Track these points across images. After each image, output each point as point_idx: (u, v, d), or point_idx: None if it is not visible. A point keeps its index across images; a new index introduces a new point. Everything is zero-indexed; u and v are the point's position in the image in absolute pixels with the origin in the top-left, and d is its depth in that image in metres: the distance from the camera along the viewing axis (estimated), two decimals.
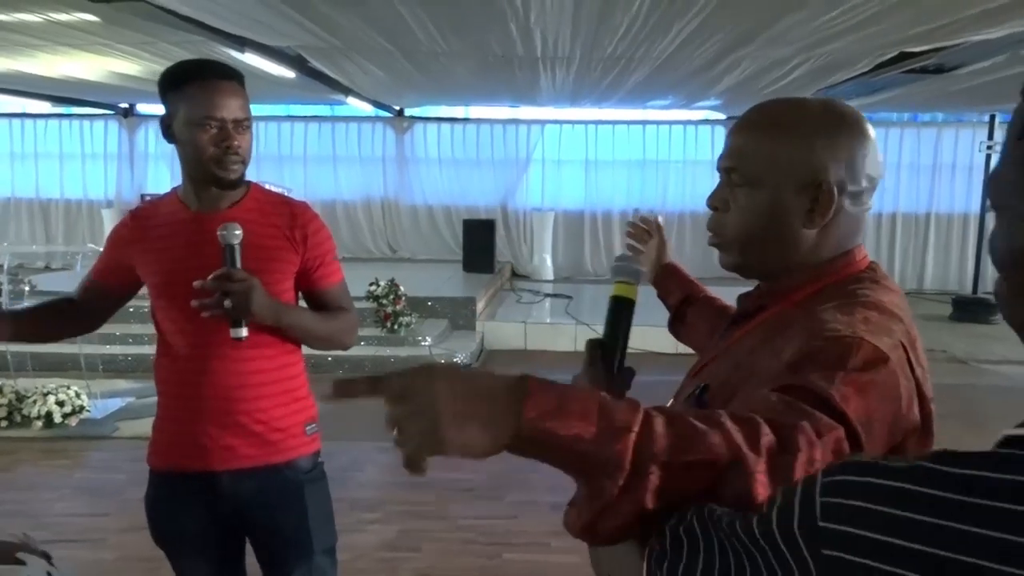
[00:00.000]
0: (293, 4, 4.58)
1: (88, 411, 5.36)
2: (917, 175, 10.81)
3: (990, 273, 6.82)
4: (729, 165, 1.08)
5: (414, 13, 4.81)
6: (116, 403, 5.71)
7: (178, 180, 1.89)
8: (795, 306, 1.03)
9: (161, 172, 11.21)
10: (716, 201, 1.10)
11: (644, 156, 11.35)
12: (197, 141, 1.74)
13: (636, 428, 0.73)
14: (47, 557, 0.83)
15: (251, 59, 5.89)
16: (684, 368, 1.20)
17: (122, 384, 6.15)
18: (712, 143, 11.00)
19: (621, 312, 1.17)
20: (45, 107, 11.12)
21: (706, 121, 11.10)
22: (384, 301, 7.29)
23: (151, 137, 11.46)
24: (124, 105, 11.40)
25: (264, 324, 1.75)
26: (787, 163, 1.02)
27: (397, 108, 11.17)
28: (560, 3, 4.47)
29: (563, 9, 4.61)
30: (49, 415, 5.18)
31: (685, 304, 1.54)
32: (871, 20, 4.49)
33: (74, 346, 5.73)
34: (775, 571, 0.58)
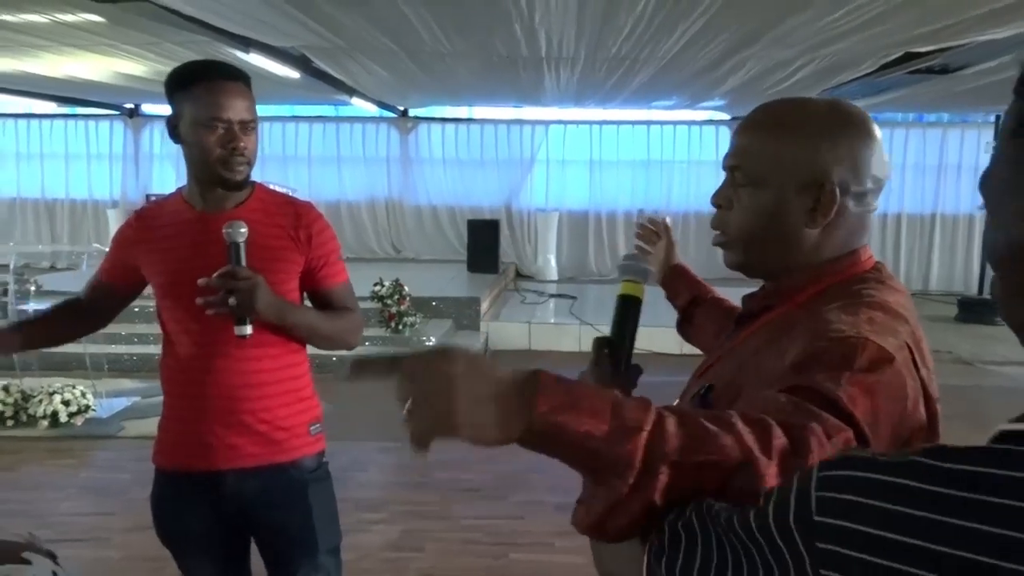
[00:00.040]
0: (297, 4, 4.58)
1: (94, 411, 5.38)
2: (922, 176, 10.80)
3: None
4: (733, 164, 1.08)
5: (418, 13, 4.81)
6: (121, 402, 5.73)
7: (183, 180, 1.89)
8: (799, 306, 1.03)
9: (166, 172, 11.24)
10: (720, 199, 1.10)
11: (648, 156, 11.34)
12: (203, 142, 1.74)
13: (648, 427, 0.73)
14: (52, 556, 0.83)
15: (256, 59, 5.90)
16: (689, 369, 1.20)
17: (127, 384, 6.16)
18: (716, 143, 11.00)
19: (628, 310, 1.17)
20: (51, 107, 11.16)
21: (710, 121, 11.09)
22: (388, 301, 7.30)
23: (156, 137, 11.50)
24: (129, 105, 11.43)
25: (268, 322, 1.75)
26: (790, 163, 1.02)
27: (401, 108, 11.18)
28: (565, 3, 4.47)
29: (567, 9, 4.61)
30: (55, 414, 5.20)
31: (693, 305, 1.54)
32: (876, 20, 4.48)
33: (79, 346, 5.75)
34: (771, 566, 0.58)
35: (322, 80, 7.44)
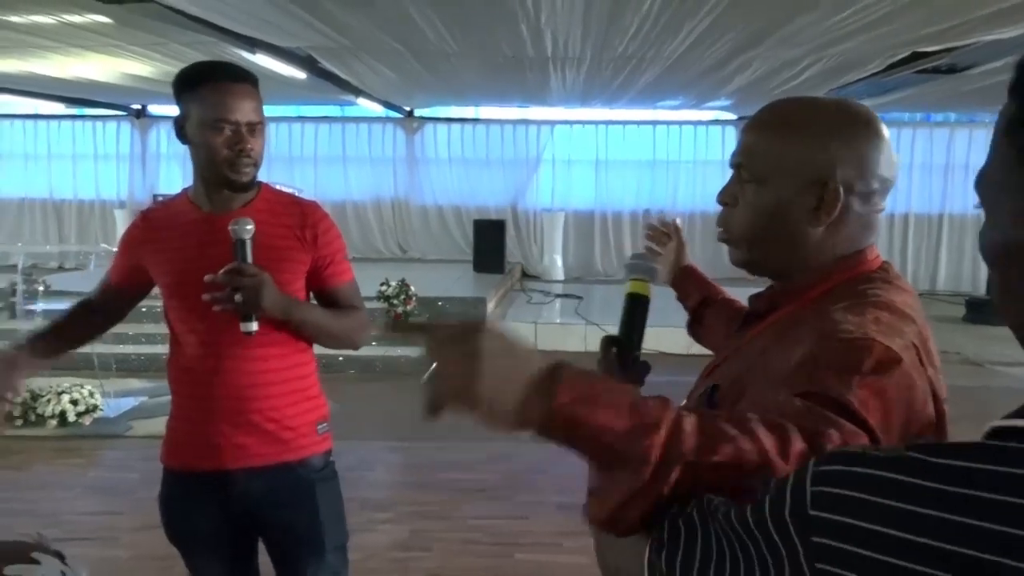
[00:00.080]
0: (303, 5, 4.60)
1: (101, 410, 5.40)
2: (930, 175, 10.76)
3: None
4: (739, 161, 1.08)
5: (424, 13, 4.82)
6: (129, 402, 5.75)
7: (190, 181, 1.90)
8: (806, 306, 1.03)
9: (173, 172, 11.27)
10: (726, 197, 1.11)
11: (654, 156, 11.33)
12: (210, 143, 1.74)
13: (666, 426, 0.73)
14: (61, 557, 0.83)
15: (262, 60, 5.91)
16: (695, 368, 1.20)
17: (135, 383, 6.19)
18: (723, 143, 10.98)
19: (636, 309, 1.17)
20: (58, 108, 11.21)
21: (716, 121, 11.07)
22: (395, 301, 7.31)
23: (163, 138, 11.53)
24: (136, 106, 11.47)
25: (274, 319, 1.75)
26: (794, 161, 1.02)
27: (407, 109, 11.19)
28: (571, 3, 4.47)
29: (573, 9, 4.61)
30: (63, 414, 5.22)
31: (703, 306, 1.54)
32: (883, 20, 4.47)
33: (87, 346, 5.76)
34: (767, 559, 0.59)
35: (328, 80, 7.46)
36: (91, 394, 5.39)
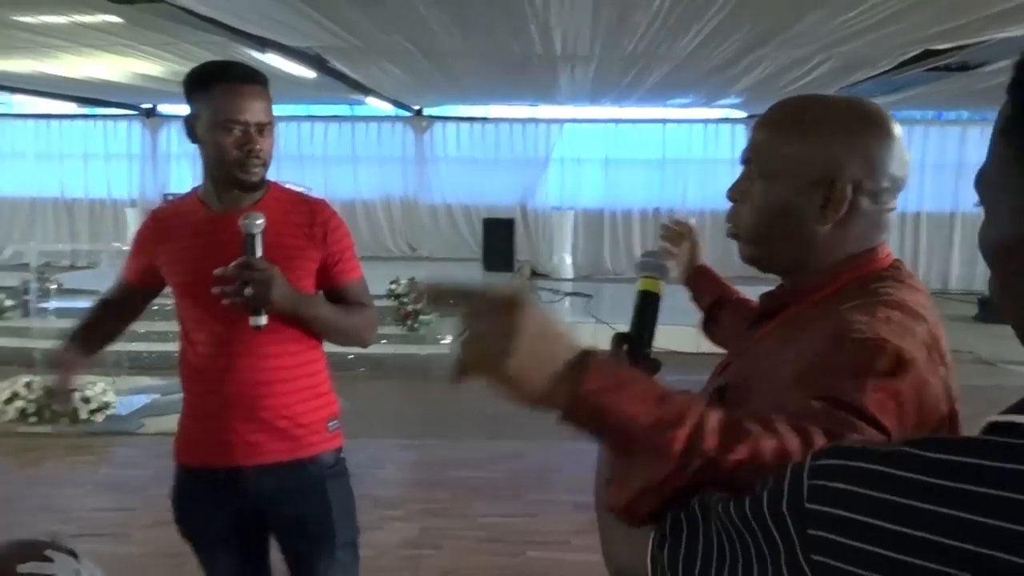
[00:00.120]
0: (313, 4, 4.61)
1: (114, 408, 5.43)
2: (942, 174, 10.70)
3: None
4: (748, 158, 1.09)
5: (434, 13, 4.82)
6: (141, 400, 5.79)
7: (200, 180, 1.91)
8: (816, 305, 1.03)
9: (183, 171, 11.32)
10: (735, 193, 1.11)
11: (664, 155, 11.31)
12: (220, 143, 1.75)
13: (691, 420, 0.74)
14: (74, 555, 0.84)
15: (272, 59, 5.93)
16: (704, 367, 1.20)
17: (147, 381, 6.22)
18: (732, 141, 10.94)
19: (647, 306, 1.17)
20: (69, 108, 11.27)
21: (726, 120, 11.04)
22: (404, 299, 7.33)
23: (173, 137, 11.59)
24: (147, 106, 11.52)
25: (284, 315, 1.76)
26: (801, 159, 1.02)
27: (416, 108, 11.21)
28: (580, 3, 4.47)
29: (583, 8, 4.61)
30: (76, 411, 5.25)
31: (717, 306, 1.55)
32: (892, 19, 4.45)
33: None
34: (764, 552, 0.59)
35: (337, 80, 7.47)
36: (104, 391, 5.42)
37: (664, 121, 11.16)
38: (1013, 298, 0.60)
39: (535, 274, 10.99)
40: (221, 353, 1.82)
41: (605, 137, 11.37)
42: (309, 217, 1.88)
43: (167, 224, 1.91)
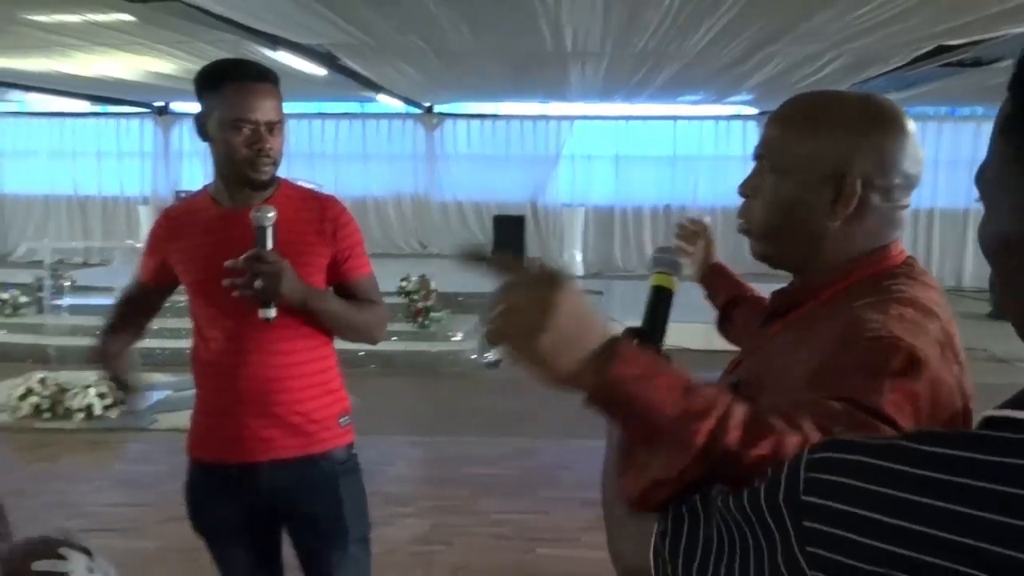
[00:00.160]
0: (325, 2, 4.62)
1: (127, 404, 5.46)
2: (955, 170, 10.62)
3: None
4: (760, 153, 1.09)
5: (445, 11, 4.83)
6: (154, 396, 5.82)
7: (211, 177, 1.91)
8: (828, 302, 1.03)
9: (195, 169, 11.39)
10: (747, 189, 1.11)
11: (675, 151, 11.28)
12: (230, 142, 1.76)
13: (716, 414, 0.73)
14: (88, 553, 0.85)
15: (283, 57, 5.96)
16: (715, 364, 1.20)
17: (159, 377, 6.25)
18: (743, 138, 10.91)
19: (659, 302, 1.17)
20: (83, 106, 11.35)
21: (737, 116, 11.00)
22: (415, 296, 7.34)
23: (185, 135, 11.65)
24: (159, 103, 11.59)
25: (293, 308, 1.77)
26: (812, 154, 1.02)
27: (427, 105, 11.22)
28: (591, 0, 4.46)
29: (594, 6, 4.60)
30: (90, 407, 5.29)
31: (732, 304, 1.54)
32: (905, 14, 4.42)
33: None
34: (761, 544, 0.60)
35: (349, 77, 7.49)
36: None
37: (675, 118, 11.13)
38: (1013, 295, 0.60)
39: None
40: (234, 349, 1.83)
41: (616, 134, 11.35)
42: (319, 213, 1.89)
43: (179, 222, 1.92)
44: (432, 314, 7.29)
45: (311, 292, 1.80)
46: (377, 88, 8.58)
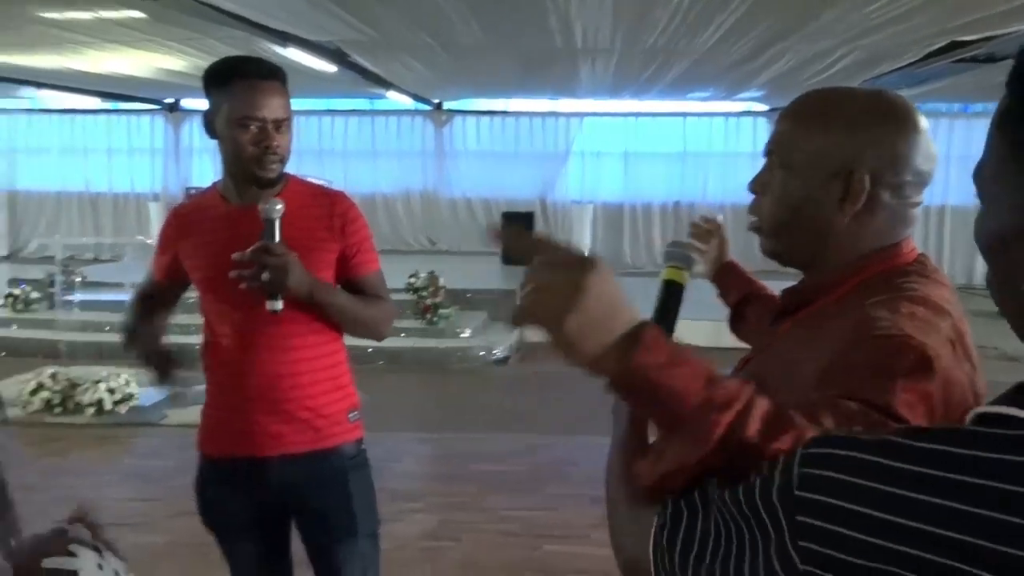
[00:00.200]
0: None
1: (137, 399, 5.50)
2: (967, 167, 10.35)
3: None
4: (771, 149, 1.09)
5: (454, 6, 4.82)
6: (164, 391, 5.84)
7: (221, 174, 1.92)
8: (838, 300, 1.02)
9: (205, 165, 11.43)
10: (757, 185, 1.11)
11: (685, 148, 11.25)
12: (237, 140, 1.76)
13: (737, 407, 0.73)
14: (97, 549, 0.85)
15: (293, 54, 5.96)
16: (720, 361, 1.19)
17: None
18: (754, 135, 10.87)
19: (670, 296, 1.17)
20: (94, 103, 11.39)
21: (748, 113, 10.96)
22: (423, 293, 7.35)
23: (195, 131, 11.68)
24: (169, 100, 11.63)
25: (300, 299, 1.77)
26: (821, 151, 1.01)
27: (436, 101, 11.22)
28: None
29: (603, 2, 4.59)
30: (100, 402, 5.32)
31: (744, 302, 1.54)
32: (917, 10, 4.39)
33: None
34: (757, 538, 0.60)
35: (358, 74, 7.50)
36: (127, 383, 5.49)
37: (684, 114, 11.10)
38: (1010, 293, 0.60)
39: None
40: (244, 345, 1.84)
41: (625, 131, 11.33)
42: (328, 209, 1.89)
43: (188, 220, 1.93)
44: (440, 311, 7.30)
45: (318, 285, 1.80)
46: (386, 85, 8.59)
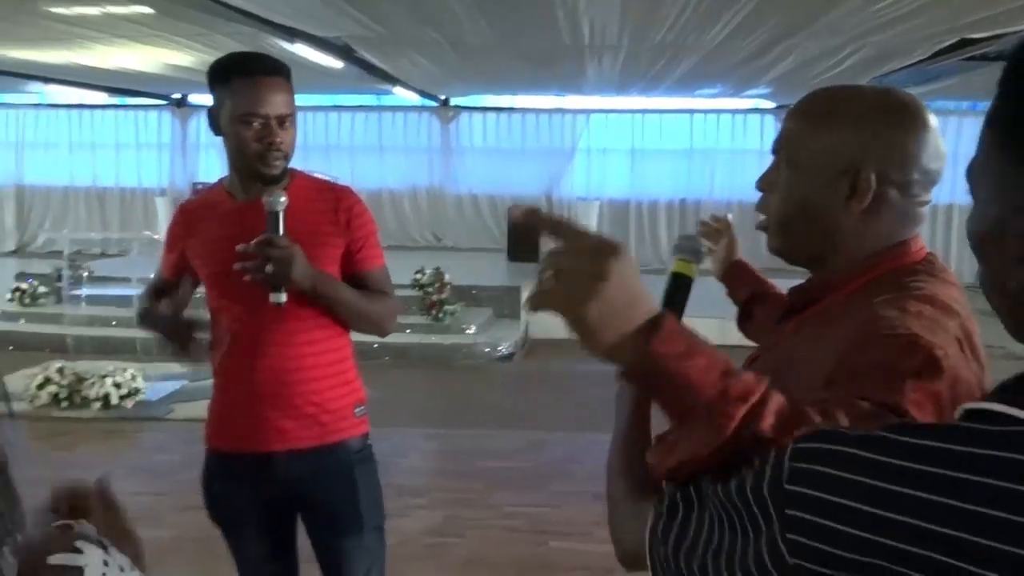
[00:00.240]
0: None
1: (143, 393, 5.52)
2: None
3: None
4: (778, 147, 1.08)
5: (462, 3, 4.82)
6: (170, 386, 5.87)
7: (228, 169, 1.92)
8: (845, 299, 1.02)
9: (212, 161, 11.45)
10: (764, 183, 1.11)
11: (691, 145, 11.22)
12: (240, 137, 1.77)
13: (752, 401, 0.73)
14: (103, 546, 0.85)
15: (300, 50, 5.96)
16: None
17: (175, 367, 6.29)
18: (761, 132, 10.83)
19: (678, 289, 1.17)
20: (101, 98, 11.43)
21: (755, 110, 10.92)
22: (429, 289, 7.35)
23: (202, 127, 11.63)
24: (177, 95, 11.65)
25: (303, 292, 1.77)
26: (828, 149, 1.01)
27: (443, 98, 11.21)
28: None
29: None
30: (107, 397, 5.34)
31: (753, 301, 1.54)
32: (928, 7, 4.37)
33: (130, 330, 5.90)
34: (748, 531, 0.61)
35: (365, 70, 7.50)
36: (133, 377, 5.51)
37: (691, 111, 11.06)
38: (999, 290, 0.61)
39: None
40: (251, 340, 1.85)
41: (632, 127, 11.31)
42: (334, 204, 1.89)
43: (195, 216, 1.93)
44: (446, 307, 7.30)
45: (321, 278, 1.80)
46: (393, 81, 8.58)
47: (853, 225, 1.02)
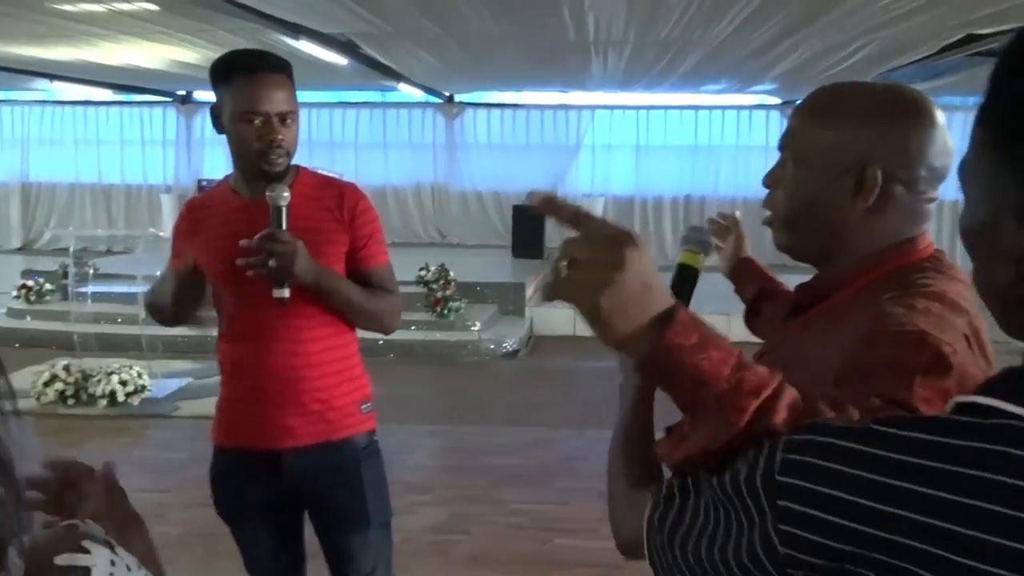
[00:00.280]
0: None
1: (150, 391, 5.53)
2: None
3: None
4: (784, 144, 1.08)
5: None
6: (176, 383, 5.88)
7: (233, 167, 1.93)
8: (853, 296, 1.02)
9: (217, 157, 11.43)
10: (770, 180, 1.10)
11: (696, 141, 11.19)
12: (242, 134, 1.77)
13: (764, 395, 0.73)
14: (111, 546, 0.85)
15: (305, 46, 5.96)
16: None
17: (181, 365, 6.32)
18: (767, 128, 10.80)
19: (684, 280, 1.16)
20: (106, 95, 11.44)
21: (761, 106, 10.89)
22: (434, 286, 7.35)
23: (207, 123, 11.51)
24: (182, 92, 11.66)
25: (306, 287, 1.77)
26: (834, 146, 1.01)
27: (447, 94, 11.20)
28: None
29: None
30: (113, 394, 5.36)
31: (760, 298, 1.54)
32: (931, 4, 4.35)
33: (135, 327, 5.91)
34: (742, 521, 0.62)
35: (369, 66, 7.49)
36: (139, 375, 5.52)
37: (696, 108, 11.04)
38: (989, 285, 0.61)
39: None
40: (257, 338, 1.85)
41: (636, 124, 11.28)
42: (339, 200, 1.89)
43: (200, 215, 1.93)
44: (451, 304, 7.30)
45: (324, 274, 1.80)
46: (398, 77, 8.58)
47: (859, 222, 1.02)
